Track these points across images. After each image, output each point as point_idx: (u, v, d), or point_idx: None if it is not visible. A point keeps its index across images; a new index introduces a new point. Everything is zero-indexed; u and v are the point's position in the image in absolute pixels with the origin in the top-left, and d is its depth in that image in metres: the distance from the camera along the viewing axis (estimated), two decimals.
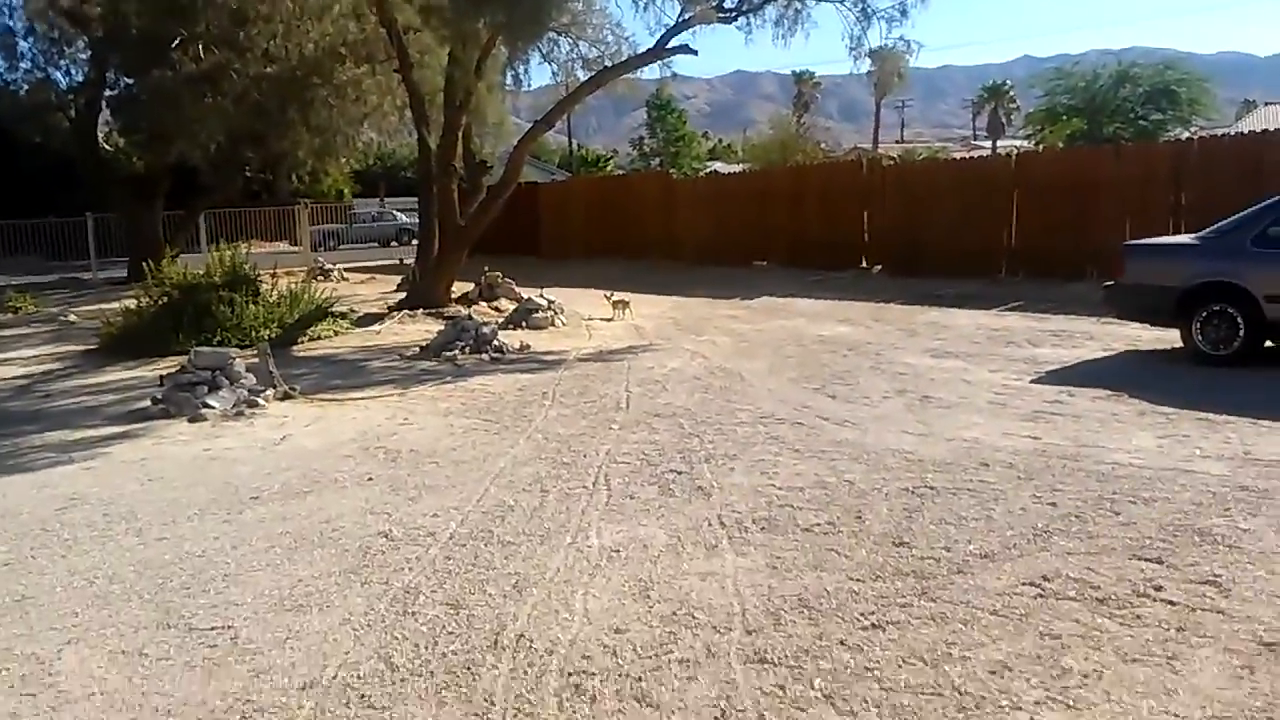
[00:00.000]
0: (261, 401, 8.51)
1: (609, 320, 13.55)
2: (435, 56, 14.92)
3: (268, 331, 11.53)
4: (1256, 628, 3.57)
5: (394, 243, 31.16)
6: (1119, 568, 4.20)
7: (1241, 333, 8.60)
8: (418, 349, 11.18)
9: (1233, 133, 18.53)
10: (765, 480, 5.81)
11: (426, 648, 3.71)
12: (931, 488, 5.50)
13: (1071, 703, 3.09)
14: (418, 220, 17.30)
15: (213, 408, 8.24)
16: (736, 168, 39.54)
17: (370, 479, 6.23)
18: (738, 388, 8.74)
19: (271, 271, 13.40)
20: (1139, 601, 3.85)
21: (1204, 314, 8.80)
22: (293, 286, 13.22)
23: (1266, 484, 5.27)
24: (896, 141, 75.98)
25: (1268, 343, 8.75)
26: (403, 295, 15.45)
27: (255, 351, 9.62)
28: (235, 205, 24.93)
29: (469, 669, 3.52)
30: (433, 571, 4.52)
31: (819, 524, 4.98)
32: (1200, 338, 8.84)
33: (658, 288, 16.92)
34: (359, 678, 3.50)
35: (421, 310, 13.92)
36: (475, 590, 4.26)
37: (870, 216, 18.49)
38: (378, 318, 13.88)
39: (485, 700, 3.29)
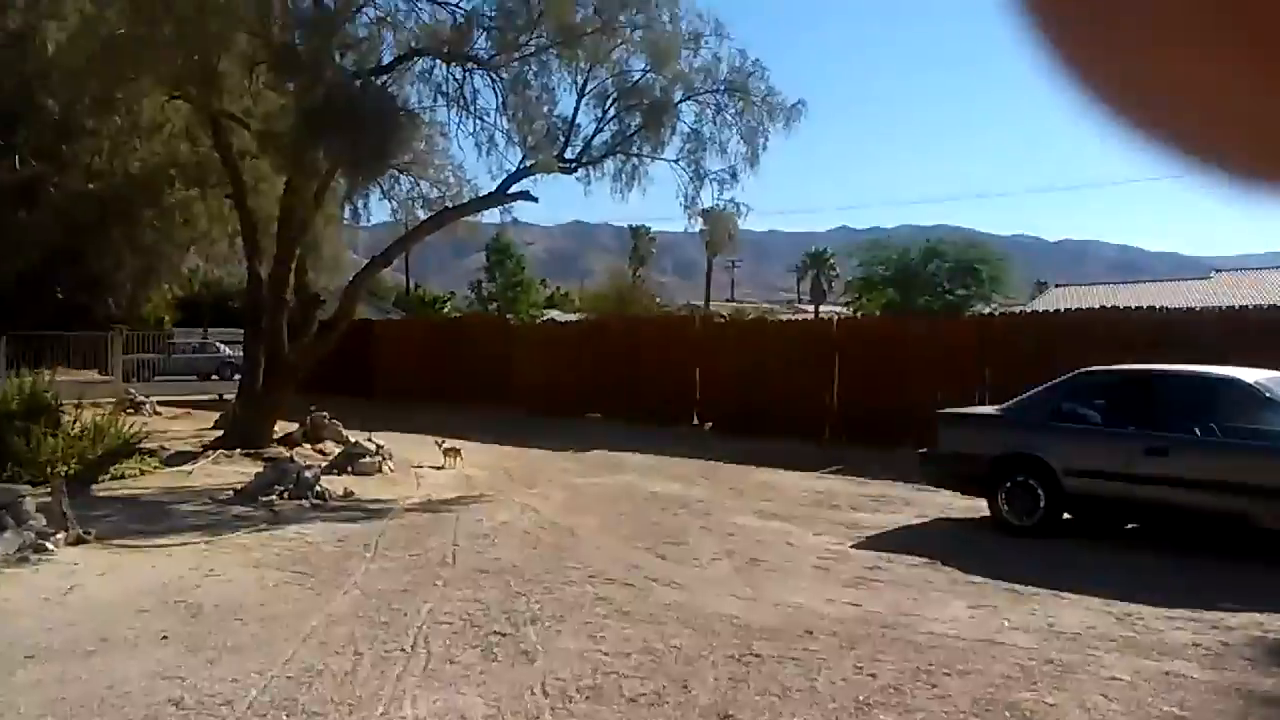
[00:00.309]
0: (51, 546, 7.82)
1: (440, 468, 13.24)
2: (272, 185, 14.67)
3: (65, 468, 10.70)
4: None
5: (215, 376, 29.88)
6: None
7: (1042, 504, 9.10)
8: (232, 492, 10.57)
9: (1029, 310, 20.21)
10: (592, 645, 5.69)
11: None
12: (758, 655, 5.50)
13: None
14: (242, 353, 16.67)
15: None
16: (574, 316, 40.17)
17: (165, 637, 5.76)
18: (568, 544, 8.63)
19: (75, 402, 12.56)
20: None
21: (1008, 484, 9.28)
22: (98, 419, 12.40)
23: (1070, 657, 5.52)
24: (727, 300, 79.26)
25: (1066, 515, 9.28)
26: (220, 433, 14.71)
27: (49, 489, 8.90)
28: (44, 328, 23.47)
29: None
30: None
31: (645, 694, 4.88)
32: (1005, 508, 9.30)
33: (492, 436, 16.71)
34: None
35: (239, 450, 13.24)
36: None
37: (702, 373, 18.97)
38: (190, 456, 13.11)
39: None
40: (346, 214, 14.78)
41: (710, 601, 6.71)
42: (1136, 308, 15.41)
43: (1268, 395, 8.38)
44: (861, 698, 4.82)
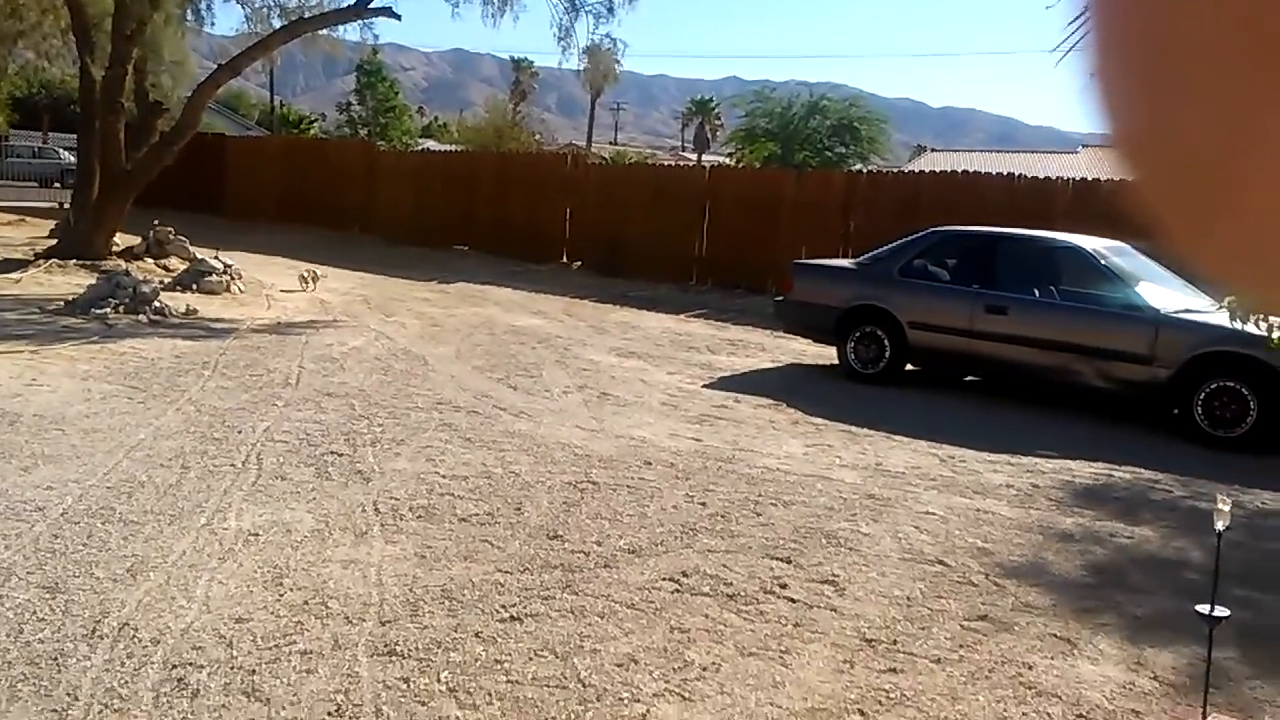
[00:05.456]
0: None
1: (294, 292, 12.81)
2: None
3: None
4: (862, 625, 3.88)
5: (56, 184, 27.87)
6: (752, 566, 4.44)
7: (887, 354, 9.43)
8: (63, 303, 10.00)
9: (900, 170, 20.53)
10: (430, 467, 5.67)
11: (8, 635, 3.27)
12: (594, 483, 5.59)
13: (687, 695, 3.20)
14: (76, 159, 15.56)
15: None
16: (451, 148, 38.83)
17: None
18: (419, 372, 8.52)
19: None
20: (764, 598, 4.08)
21: (857, 334, 9.57)
22: None
23: (890, 493, 5.79)
24: (611, 143, 77.83)
25: (910, 366, 9.64)
26: (54, 242, 13.83)
27: None
28: None
29: (55, 660, 3.13)
30: (33, 551, 4.02)
31: (477, 514, 4.91)
32: (853, 356, 9.60)
33: (352, 262, 16.24)
34: None
35: (75, 261, 12.48)
36: (81, 573, 3.82)
37: (573, 212, 18.73)
38: (20, 264, 12.31)
39: (68, 695, 2.93)
40: (188, 15, 13.59)
41: (555, 432, 6.75)
42: (996, 174, 15.76)
43: (1104, 262, 8.74)
44: (688, 523, 4.97)
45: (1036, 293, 8.94)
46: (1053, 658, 3.74)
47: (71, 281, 11.46)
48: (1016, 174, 15.29)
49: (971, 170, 16.63)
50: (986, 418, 8.36)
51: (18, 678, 3.02)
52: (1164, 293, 8.45)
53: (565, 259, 18.66)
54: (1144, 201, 0.37)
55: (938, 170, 18.50)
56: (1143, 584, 4.67)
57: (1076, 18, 0.38)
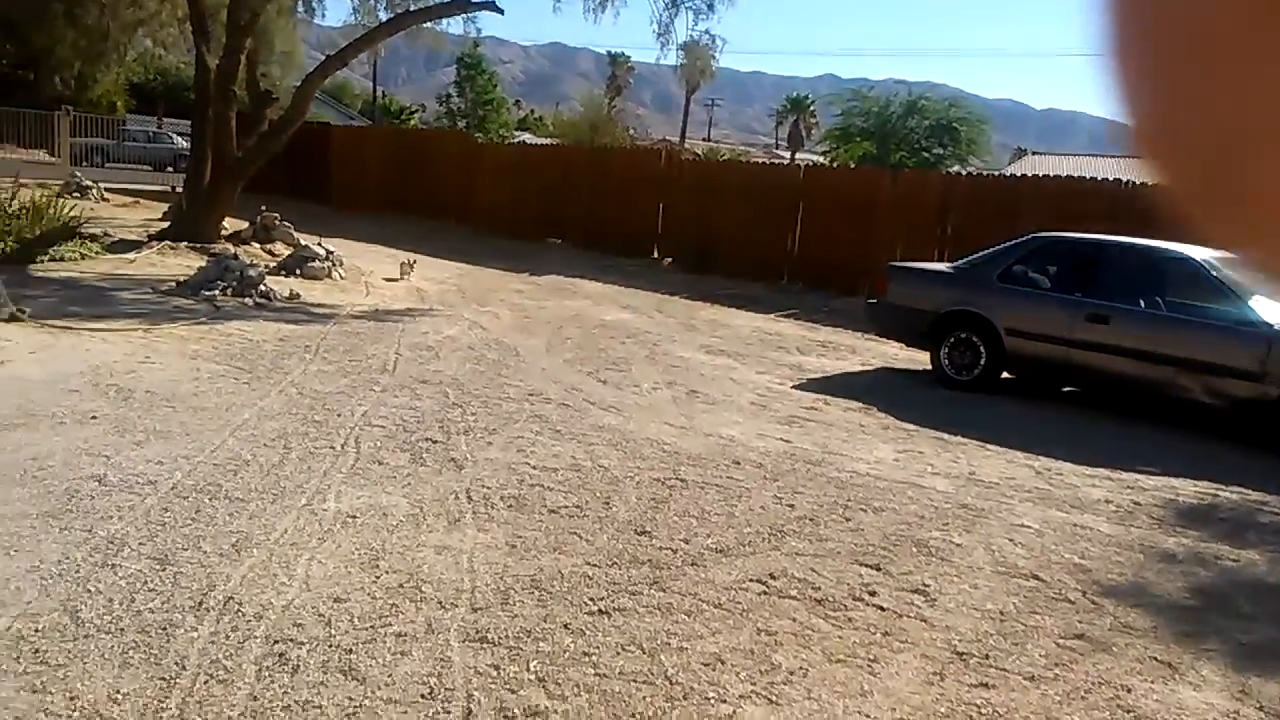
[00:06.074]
0: None
1: (392, 280, 13.10)
2: None
3: (2, 245, 10.43)
4: (952, 637, 3.82)
5: (170, 168, 28.88)
6: (840, 571, 4.40)
7: (983, 361, 9.24)
8: (174, 284, 10.40)
9: (999, 173, 20.08)
10: (521, 458, 5.75)
11: (121, 604, 3.42)
12: (682, 480, 5.60)
13: (774, 698, 3.19)
14: (190, 145, 16.12)
15: None
16: (546, 141, 39.22)
17: (94, 417, 5.73)
18: (511, 363, 8.64)
19: (13, 179, 12.12)
20: (853, 605, 4.04)
21: (951, 340, 9.38)
22: (37, 199, 12.02)
23: (984, 504, 5.67)
24: (704, 139, 77.68)
25: (1006, 373, 9.43)
26: (166, 225, 14.36)
27: None
28: None
29: (164, 630, 3.26)
30: (145, 523, 4.19)
31: (567, 506, 4.96)
32: (946, 362, 9.43)
33: (448, 252, 16.54)
34: (37, 631, 3.18)
35: (186, 243, 12.96)
36: (189, 546, 3.97)
37: (665, 208, 18.76)
38: (134, 245, 12.83)
39: (176, 664, 3.05)
40: (299, 7, 13.95)
41: (644, 427, 6.78)
42: (1101, 178, 15.30)
43: (1215, 274, 8.41)
44: (776, 525, 4.94)
45: (1142, 303, 8.67)
46: (1153, 681, 3.63)
47: (182, 263, 11.91)
48: (1123, 179, 14.80)
49: (1075, 174, 16.17)
50: (1084, 430, 8.13)
51: (129, 645, 3.15)
52: (1278, 307, 8.10)
53: (656, 254, 18.70)
54: (1169, 196, 0.37)
55: (1039, 174, 18.04)
56: (1249, 610, 4.50)
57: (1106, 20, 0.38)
